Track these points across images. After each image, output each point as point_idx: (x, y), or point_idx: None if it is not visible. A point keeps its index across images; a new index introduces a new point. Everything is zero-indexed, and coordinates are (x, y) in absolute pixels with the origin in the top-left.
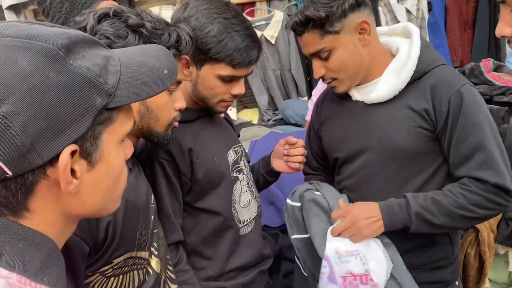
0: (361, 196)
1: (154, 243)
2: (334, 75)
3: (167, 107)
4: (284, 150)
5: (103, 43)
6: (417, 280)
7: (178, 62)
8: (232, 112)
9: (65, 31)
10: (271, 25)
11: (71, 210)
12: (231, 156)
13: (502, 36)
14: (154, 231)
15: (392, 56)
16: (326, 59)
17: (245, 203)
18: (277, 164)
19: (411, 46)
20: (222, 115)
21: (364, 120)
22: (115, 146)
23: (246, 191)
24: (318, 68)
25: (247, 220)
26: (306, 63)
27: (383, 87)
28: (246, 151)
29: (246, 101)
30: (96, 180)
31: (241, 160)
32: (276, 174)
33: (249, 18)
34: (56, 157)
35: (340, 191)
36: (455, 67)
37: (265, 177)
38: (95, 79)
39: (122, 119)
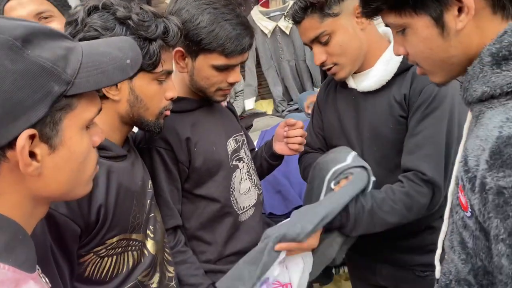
0: None
1: (150, 226)
2: (336, 60)
3: (157, 96)
4: (284, 132)
5: (68, 36)
6: (411, 263)
7: (166, 53)
8: (250, 101)
9: (24, 24)
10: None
11: (37, 192)
12: (231, 144)
13: (399, 55)
14: (151, 215)
15: (388, 44)
16: (326, 43)
17: (244, 190)
18: (278, 147)
19: None
20: (224, 104)
21: (357, 108)
22: (77, 132)
23: (246, 179)
24: (319, 54)
25: (246, 207)
26: None
27: (373, 76)
28: (256, 141)
29: (262, 92)
30: (58, 164)
31: (241, 148)
32: (278, 158)
33: (263, 9)
34: (15, 140)
35: None
36: None
37: (268, 161)
38: (53, 68)
39: (83, 106)
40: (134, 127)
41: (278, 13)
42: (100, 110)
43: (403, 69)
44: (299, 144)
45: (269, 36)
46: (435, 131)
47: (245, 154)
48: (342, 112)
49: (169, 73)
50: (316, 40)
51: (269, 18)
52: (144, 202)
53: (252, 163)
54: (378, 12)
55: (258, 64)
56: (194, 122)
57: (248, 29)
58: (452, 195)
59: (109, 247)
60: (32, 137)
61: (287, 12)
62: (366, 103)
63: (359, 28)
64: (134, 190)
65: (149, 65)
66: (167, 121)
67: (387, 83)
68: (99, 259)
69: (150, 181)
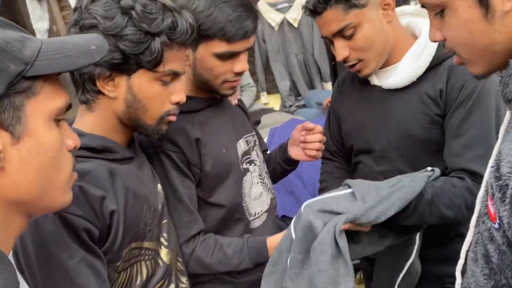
0: None
1: (164, 234)
2: (360, 55)
3: (159, 98)
4: (301, 136)
5: (26, 31)
6: (439, 274)
7: (173, 51)
8: (263, 97)
9: None
10: (294, 7)
11: (5, 193)
12: (241, 146)
13: (435, 41)
14: (163, 222)
15: (415, 39)
16: (350, 37)
17: (256, 195)
18: (294, 152)
19: None
20: (234, 102)
21: (381, 106)
22: (45, 122)
23: (258, 183)
24: (341, 49)
25: (258, 213)
26: (330, 46)
27: (401, 72)
28: (266, 138)
29: (268, 87)
30: (25, 156)
31: (252, 150)
32: (294, 163)
33: (271, 1)
34: None
35: (356, 178)
36: None
37: (282, 166)
38: (6, 47)
39: (48, 93)
40: None
41: (286, 4)
42: (69, 105)
43: (435, 64)
44: (317, 150)
45: (276, 29)
46: (483, 130)
47: (257, 156)
48: (363, 112)
49: (175, 74)
50: (340, 33)
51: (276, 10)
52: (155, 208)
53: (265, 166)
54: None
55: (266, 58)
56: (203, 122)
57: (250, 10)
58: (480, 203)
59: (124, 259)
60: None
61: (306, 3)
62: (393, 101)
63: (385, 21)
64: (143, 194)
65: (148, 62)
66: (175, 121)
67: (417, 79)
68: (116, 275)
69: (159, 186)
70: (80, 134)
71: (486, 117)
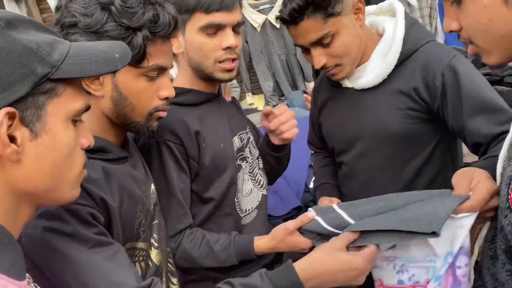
0: (361, 184)
1: (154, 234)
2: (338, 61)
3: (146, 94)
4: (269, 125)
5: (57, 33)
6: None
7: (156, 45)
8: (249, 97)
9: (12, 13)
10: (276, 9)
11: (18, 184)
12: (236, 143)
13: (451, 31)
14: (154, 222)
15: (379, 37)
16: (327, 45)
17: (246, 192)
18: (273, 139)
19: (396, 26)
20: (228, 98)
21: (356, 107)
22: (63, 121)
23: (248, 180)
24: (319, 57)
25: (248, 210)
26: None
27: (371, 72)
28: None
29: (252, 87)
30: (41, 152)
31: (246, 147)
32: (281, 148)
33: (253, 1)
34: None
35: (341, 179)
36: None
37: (272, 155)
38: (37, 49)
39: (69, 95)
40: None
41: (267, 6)
42: (88, 107)
43: (403, 59)
44: (289, 130)
45: (258, 29)
46: (490, 96)
47: (250, 153)
48: (339, 114)
49: (161, 69)
50: (317, 42)
51: (258, 11)
52: (148, 208)
53: (258, 162)
54: None
55: (249, 59)
56: (202, 116)
57: None
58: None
59: None
60: (12, 117)
61: (280, 12)
62: (366, 100)
63: (358, 25)
64: (138, 194)
65: (132, 59)
66: (175, 113)
67: (388, 76)
68: None
69: (152, 186)
70: None
71: (480, 86)
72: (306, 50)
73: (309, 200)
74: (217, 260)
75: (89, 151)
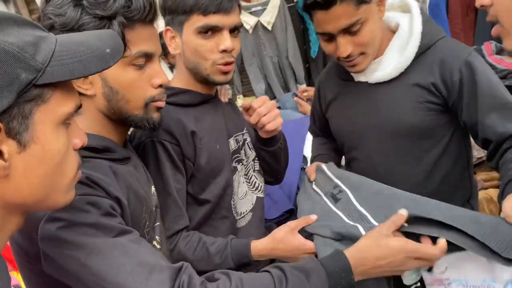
0: (379, 179)
1: (157, 236)
2: (364, 50)
3: (138, 84)
4: (250, 119)
5: (41, 26)
6: None
7: (135, 31)
8: (240, 100)
9: None
10: (268, 11)
11: (8, 198)
12: (231, 145)
13: (482, 6)
14: (156, 224)
15: (390, 32)
16: (355, 33)
17: (242, 194)
18: (260, 133)
19: (412, 21)
20: (225, 99)
21: (370, 101)
22: (53, 128)
23: (243, 182)
24: (346, 45)
25: (243, 213)
26: (304, 49)
27: (387, 65)
28: None
29: (244, 89)
30: (30, 164)
31: (241, 149)
32: (271, 141)
33: (245, 3)
34: None
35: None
36: None
37: (265, 150)
38: (19, 53)
39: (58, 99)
40: None
41: (259, 8)
42: (79, 106)
43: (419, 53)
44: (272, 121)
45: (250, 32)
46: (505, 94)
47: (245, 155)
48: (350, 109)
49: (148, 55)
50: (347, 29)
51: (250, 13)
52: (151, 209)
53: (254, 165)
54: None
55: (240, 61)
56: (198, 117)
57: None
58: None
59: None
60: None
61: None
62: (380, 94)
63: (380, 17)
64: (142, 195)
65: None
66: (171, 113)
67: (404, 69)
68: None
69: (153, 188)
70: None
71: (495, 84)
72: (329, 39)
73: None
74: (213, 263)
75: (95, 151)
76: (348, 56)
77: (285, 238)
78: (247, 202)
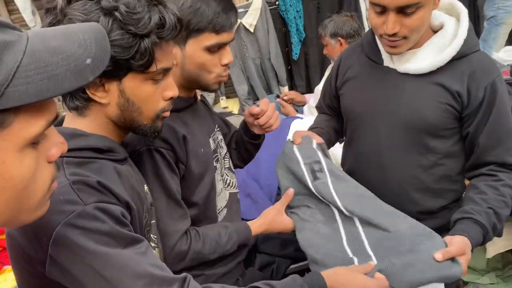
0: (382, 165)
1: (152, 236)
2: (409, 34)
3: (152, 98)
4: (254, 121)
5: (10, 24)
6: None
7: (163, 48)
8: (223, 101)
9: None
10: (250, 13)
11: None
12: (211, 145)
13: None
14: (153, 221)
15: (430, 29)
16: (409, 15)
17: (218, 191)
18: (256, 130)
19: (459, 26)
20: (198, 97)
21: (393, 87)
22: (15, 154)
23: (220, 180)
24: (395, 23)
25: (219, 209)
26: (286, 51)
27: (422, 60)
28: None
29: (227, 91)
30: None
31: (218, 147)
32: (259, 135)
33: None
34: None
35: (355, 157)
36: None
37: (252, 143)
38: None
39: (23, 122)
40: None
41: (241, 10)
42: (55, 118)
43: (455, 58)
44: (275, 122)
45: None
46: (509, 125)
47: (220, 154)
48: (370, 90)
49: (166, 70)
50: (403, 8)
51: None
52: (148, 207)
53: (224, 162)
54: None
55: None
56: (185, 121)
57: (230, 3)
58: None
59: None
60: None
61: None
62: (406, 84)
63: (433, 8)
64: (142, 194)
65: (140, 66)
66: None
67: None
68: None
69: (146, 186)
70: (83, 135)
71: (507, 113)
72: (380, 12)
73: None
74: (223, 251)
75: (99, 151)
76: (392, 35)
77: (274, 220)
78: (222, 199)
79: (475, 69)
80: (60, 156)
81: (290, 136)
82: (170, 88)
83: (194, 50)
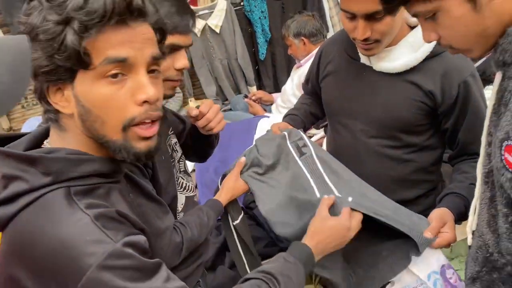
0: (356, 154)
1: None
2: (380, 37)
3: (113, 101)
4: (198, 124)
5: None
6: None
7: (102, 34)
8: (192, 102)
9: None
10: (215, 14)
11: None
12: (168, 150)
13: (431, 41)
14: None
15: (407, 25)
16: (378, 20)
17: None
18: (201, 131)
19: None
20: None
21: (369, 85)
22: None
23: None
24: (365, 28)
25: (177, 213)
26: (253, 52)
27: (396, 59)
28: None
29: (196, 92)
30: None
31: (173, 152)
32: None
33: (192, 7)
34: None
35: (335, 149)
36: None
37: (204, 140)
38: None
39: None
40: None
41: (206, 11)
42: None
43: (428, 57)
44: (217, 125)
45: (199, 35)
46: (481, 109)
47: (175, 158)
48: (347, 87)
49: (122, 61)
50: (371, 15)
51: (198, 16)
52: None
53: (179, 166)
54: (404, 4)
55: (191, 64)
56: None
57: (187, 6)
58: (482, 168)
59: None
60: None
61: None
62: (382, 82)
63: (402, 9)
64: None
65: (67, 60)
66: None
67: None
68: None
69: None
70: (90, 160)
71: (484, 108)
72: (351, 18)
73: (250, 201)
74: (208, 229)
75: (103, 176)
76: (364, 40)
77: (236, 186)
78: (178, 204)
79: (448, 67)
80: (66, 186)
81: (257, 135)
82: (142, 89)
83: None
